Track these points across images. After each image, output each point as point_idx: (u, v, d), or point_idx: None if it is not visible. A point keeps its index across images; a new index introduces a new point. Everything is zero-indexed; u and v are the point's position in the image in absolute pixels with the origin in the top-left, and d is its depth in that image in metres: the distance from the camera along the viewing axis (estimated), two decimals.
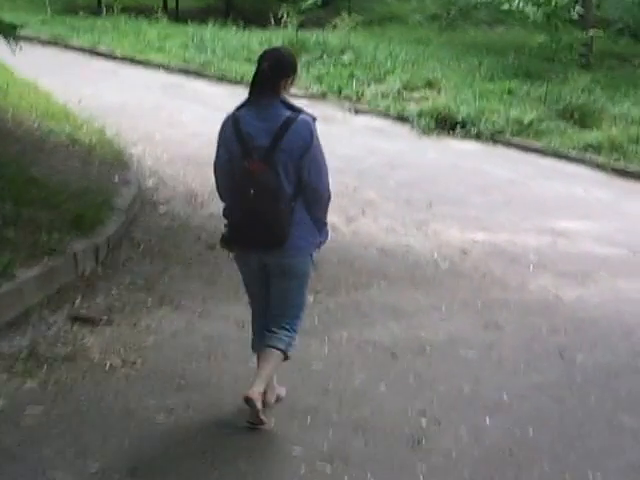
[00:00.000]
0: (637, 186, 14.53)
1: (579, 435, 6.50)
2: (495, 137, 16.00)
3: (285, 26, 20.39)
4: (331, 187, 5.86)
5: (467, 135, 16.21)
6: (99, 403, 6.35)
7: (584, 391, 7.20)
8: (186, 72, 18.96)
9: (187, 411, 6.31)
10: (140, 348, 7.28)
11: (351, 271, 9.59)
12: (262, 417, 5.94)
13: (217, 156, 5.80)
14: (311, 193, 5.62)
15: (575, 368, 7.67)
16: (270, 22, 20.94)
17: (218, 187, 5.94)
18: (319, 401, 6.63)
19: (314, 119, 5.64)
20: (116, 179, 11.42)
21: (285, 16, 20.32)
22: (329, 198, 5.75)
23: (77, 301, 8.10)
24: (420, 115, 16.49)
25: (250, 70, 18.12)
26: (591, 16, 19.26)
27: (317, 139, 5.59)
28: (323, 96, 17.69)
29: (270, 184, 5.46)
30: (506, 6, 18.07)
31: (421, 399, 6.79)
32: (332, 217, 6.39)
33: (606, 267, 10.71)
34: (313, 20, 21.43)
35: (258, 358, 6.11)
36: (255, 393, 5.81)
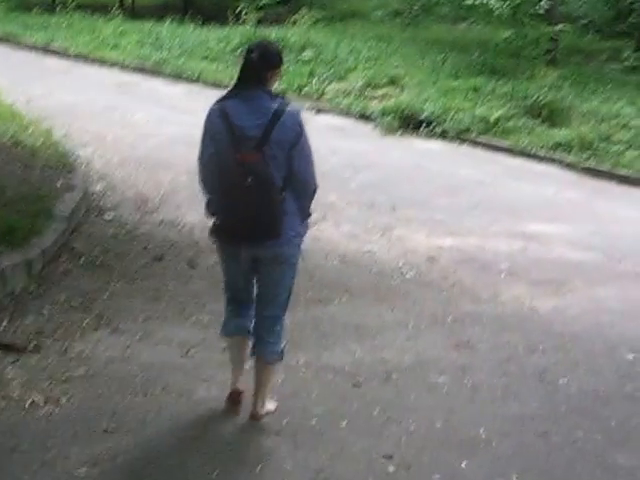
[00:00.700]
0: (609, 186, 13.63)
1: (568, 478, 5.56)
2: (461, 136, 15.09)
3: (244, 23, 19.38)
4: None
5: (432, 134, 15.27)
6: (12, 453, 5.34)
7: (570, 423, 6.28)
8: (142, 70, 18.01)
9: (114, 461, 5.30)
10: (68, 380, 6.28)
11: (310, 283, 8.62)
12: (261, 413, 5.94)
13: (202, 149, 5.66)
14: (299, 183, 5.59)
15: (558, 394, 6.75)
16: (229, 19, 19.91)
17: (202, 180, 5.77)
18: (271, 444, 5.67)
19: (301, 110, 5.67)
20: (59, 184, 10.41)
21: (244, 13, 19.31)
22: (316, 188, 5.71)
23: (3, 324, 7.09)
24: (383, 113, 15.56)
25: (207, 68, 17.48)
26: (557, 11, 18.37)
27: (305, 130, 5.56)
28: (282, 95, 16.65)
29: (264, 174, 5.43)
30: (470, 0, 17.14)
31: (388, 438, 5.83)
32: None
33: (582, 274, 9.88)
34: (272, 17, 20.49)
35: (230, 344, 6.06)
36: (258, 409, 5.87)
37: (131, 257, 9.05)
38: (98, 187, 11.20)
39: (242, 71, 5.58)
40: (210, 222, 5.84)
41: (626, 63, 18.37)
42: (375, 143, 14.79)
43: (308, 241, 6.52)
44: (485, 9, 17.09)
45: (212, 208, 5.79)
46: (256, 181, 5.41)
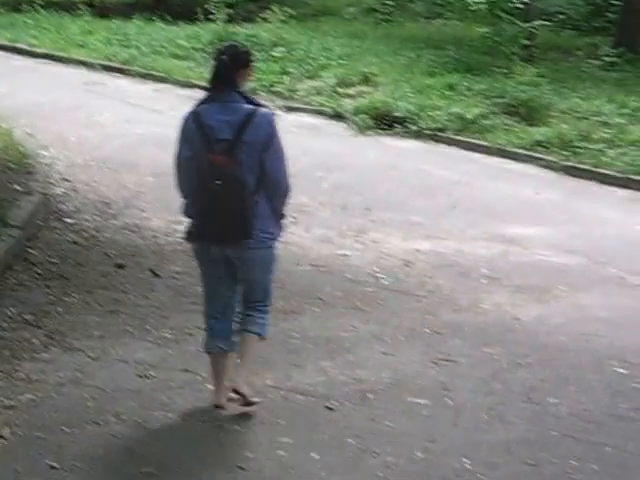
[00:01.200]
0: (589, 185, 13.08)
1: None
2: (437, 135, 14.50)
3: (214, 21, 18.69)
4: None
5: (407, 133, 14.65)
6: None
7: (563, 450, 5.70)
8: (109, 69, 17.30)
9: None
10: (13, 407, 5.65)
11: (281, 293, 7.94)
12: (253, 399, 5.85)
13: (179, 152, 5.71)
14: (272, 185, 5.65)
15: (547, 417, 6.17)
16: (199, 17, 19.21)
17: (179, 184, 5.78)
18: None
19: (273, 113, 5.72)
20: (17, 187, 9.78)
21: (214, 10, 18.64)
22: (288, 190, 5.78)
23: None
24: (356, 112, 14.94)
25: (177, 66, 16.76)
26: (534, 7, 17.79)
27: (277, 132, 5.63)
28: (253, 92, 16.03)
29: (235, 177, 5.49)
30: None
31: (363, 473, 5.21)
32: None
33: (565, 279, 9.35)
34: (243, 14, 19.83)
35: (212, 360, 5.92)
36: (240, 384, 5.76)
37: (91, 266, 8.43)
38: (59, 191, 10.58)
39: (214, 73, 5.64)
40: (184, 225, 5.86)
41: (605, 59, 17.81)
42: (348, 143, 14.20)
43: (278, 246, 5.99)
44: (461, 4, 16.47)
45: (188, 211, 5.79)
46: (226, 183, 5.45)
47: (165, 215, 10.14)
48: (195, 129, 5.55)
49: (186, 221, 5.90)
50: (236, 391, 5.78)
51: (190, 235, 5.80)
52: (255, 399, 5.85)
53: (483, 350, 7.19)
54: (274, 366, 6.55)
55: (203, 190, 5.54)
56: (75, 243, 9.01)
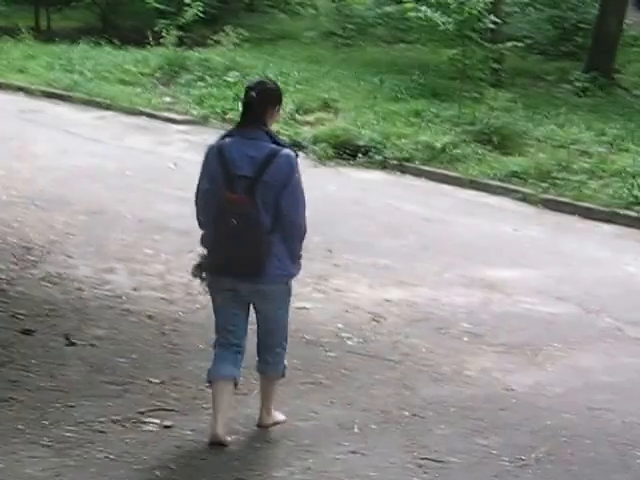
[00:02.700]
0: (572, 221, 11.54)
1: None
2: (403, 165, 12.95)
3: (165, 45, 16.98)
4: None
5: (371, 163, 13.09)
6: None
7: None
8: (50, 95, 15.60)
9: None
10: None
11: None
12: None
13: (199, 185, 5.51)
14: (288, 226, 5.41)
15: None
16: (150, 41, 17.47)
17: (198, 214, 5.58)
18: None
19: (297, 154, 5.50)
20: None
21: (164, 33, 16.95)
22: (305, 232, 5.54)
23: None
24: (315, 141, 13.33)
25: (123, 92, 15.00)
26: (500, 31, 16.22)
27: (298, 174, 5.41)
28: (204, 120, 14.44)
29: (251, 217, 5.33)
30: (414, 13, 14.91)
31: None
32: None
33: (557, 334, 7.89)
34: (196, 38, 18.07)
35: (215, 390, 5.45)
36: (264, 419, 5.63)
37: None
38: None
39: (243, 109, 5.48)
40: (198, 257, 5.54)
41: (576, 84, 16.31)
42: (306, 175, 11.90)
43: None
44: (428, 25, 14.86)
45: (205, 242, 5.54)
46: (242, 222, 5.30)
47: (95, 262, 8.50)
48: (217, 163, 5.38)
49: (197, 253, 5.55)
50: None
51: (199, 267, 5.53)
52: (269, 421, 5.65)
53: (477, 442, 5.53)
54: None
55: (219, 224, 5.37)
56: None
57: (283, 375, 5.71)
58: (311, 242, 9.46)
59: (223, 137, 5.50)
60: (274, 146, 5.36)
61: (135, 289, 7.97)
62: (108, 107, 14.89)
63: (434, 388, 6.42)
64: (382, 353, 7.06)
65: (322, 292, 8.37)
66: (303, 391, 6.08)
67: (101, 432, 5.13)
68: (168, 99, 15.17)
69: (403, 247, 9.87)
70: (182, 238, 8.74)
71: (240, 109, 5.53)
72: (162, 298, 7.81)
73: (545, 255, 10.06)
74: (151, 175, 11.57)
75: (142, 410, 5.44)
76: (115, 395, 5.58)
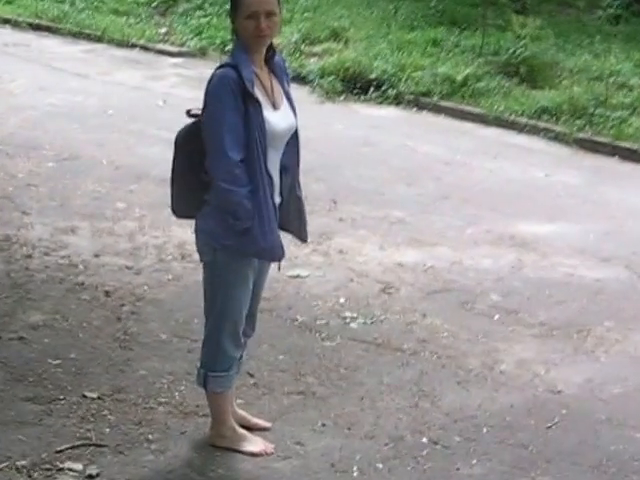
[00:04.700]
0: (612, 163, 9.80)
1: None
2: (420, 101, 11.16)
3: None
4: None
5: (384, 99, 11.27)
6: None
7: None
8: (36, 27, 13.81)
9: None
10: None
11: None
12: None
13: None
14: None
15: None
16: None
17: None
18: None
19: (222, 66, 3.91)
20: None
21: None
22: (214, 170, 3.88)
23: None
24: (323, 74, 11.55)
25: (115, 23, 13.12)
26: None
27: (209, 96, 3.85)
28: (202, 53, 12.70)
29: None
30: None
31: None
32: None
33: (608, 308, 6.29)
34: None
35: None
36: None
37: None
38: None
39: None
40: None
41: (609, 11, 14.40)
42: (312, 111, 10.70)
43: None
44: None
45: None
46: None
47: (55, 219, 6.95)
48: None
49: None
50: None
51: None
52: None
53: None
54: None
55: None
56: None
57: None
58: (312, 191, 7.99)
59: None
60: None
61: (96, 255, 6.37)
62: (99, 39, 13.13)
63: (460, 395, 4.82)
64: (393, 340, 5.46)
65: (323, 254, 6.78)
66: (287, 407, 4.46)
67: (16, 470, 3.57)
68: (164, 30, 13.37)
69: (419, 196, 8.23)
70: (161, 188, 7.01)
71: None
72: (127, 267, 6.20)
73: (583, 205, 8.38)
74: (136, 114, 9.88)
75: (61, 448, 3.83)
76: (31, 421, 4.01)
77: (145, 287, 5.86)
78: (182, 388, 4.51)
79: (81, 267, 6.12)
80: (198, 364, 4.06)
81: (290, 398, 4.52)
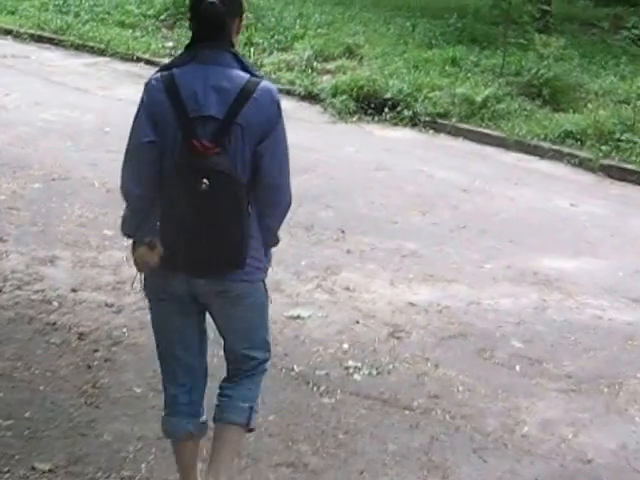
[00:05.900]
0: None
1: None
2: (437, 122, 10.57)
3: None
4: None
5: (399, 120, 10.68)
6: None
7: None
8: (39, 39, 13.27)
9: None
10: None
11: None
12: None
13: (135, 136, 3.48)
14: (270, 192, 3.51)
15: None
16: None
17: (127, 182, 3.52)
18: None
19: (275, 88, 3.61)
20: None
21: None
22: (290, 204, 3.59)
23: None
24: (335, 92, 10.95)
25: (120, 35, 12.37)
26: None
27: (282, 118, 3.49)
28: None
29: (229, 174, 3.37)
30: None
31: None
32: None
33: None
34: None
35: (177, 451, 3.61)
36: None
37: None
38: None
39: (200, 22, 3.46)
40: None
41: (634, 31, 13.72)
42: (322, 132, 10.17)
43: None
44: None
45: (132, 225, 3.54)
46: (217, 184, 3.32)
47: (35, 248, 6.32)
48: (167, 102, 3.40)
49: None
50: None
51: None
52: None
53: None
54: None
55: (176, 194, 3.36)
56: None
57: (251, 428, 3.70)
58: (319, 219, 7.37)
59: (168, 66, 3.53)
60: (249, 76, 3.47)
61: (74, 289, 5.70)
62: (102, 52, 12.62)
63: (476, 467, 4.13)
64: (401, 395, 4.78)
65: (327, 291, 6.13)
66: (282, 474, 3.75)
67: None
68: (171, 44, 12.76)
69: (434, 226, 7.58)
70: None
71: (194, 25, 3.50)
72: (107, 304, 5.53)
73: (611, 238, 7.71)
74: None
75: None
76: None
77: (124, 329, 5.19)
78: (151, 458, 3.83)
79: (55, 304, 5.45)
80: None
81: (277, 471, 3.82)
